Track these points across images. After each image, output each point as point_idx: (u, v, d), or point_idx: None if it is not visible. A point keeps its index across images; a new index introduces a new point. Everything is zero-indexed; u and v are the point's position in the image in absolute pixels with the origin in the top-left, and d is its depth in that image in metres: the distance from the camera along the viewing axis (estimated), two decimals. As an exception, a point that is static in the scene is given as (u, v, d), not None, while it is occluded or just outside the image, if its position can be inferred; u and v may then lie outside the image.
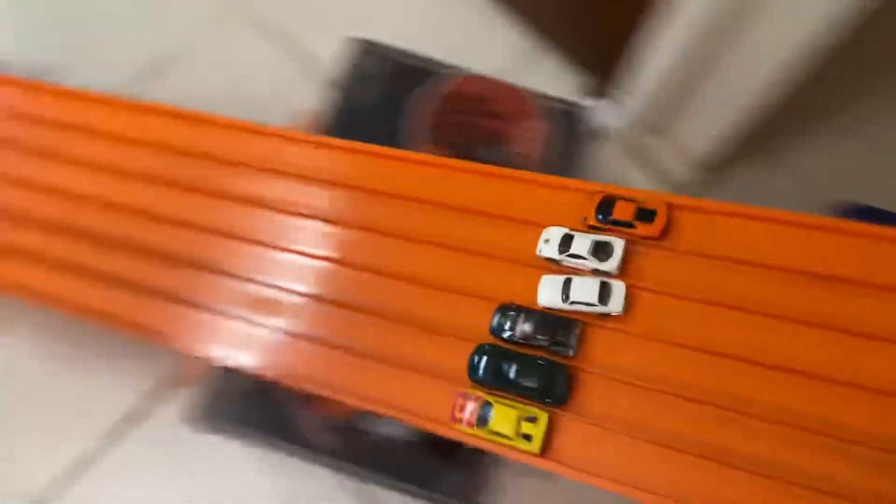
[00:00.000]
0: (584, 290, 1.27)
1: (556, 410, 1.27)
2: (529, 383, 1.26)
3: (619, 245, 1.28)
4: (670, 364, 1.29)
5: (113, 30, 2.20)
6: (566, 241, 1.29)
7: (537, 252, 1.33)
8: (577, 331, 1.28)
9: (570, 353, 1.27)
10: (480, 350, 1.30)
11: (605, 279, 1.29)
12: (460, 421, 1.28)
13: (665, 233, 1.32)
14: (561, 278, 1.31)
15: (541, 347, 1.29)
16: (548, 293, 1.30)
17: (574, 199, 1.39)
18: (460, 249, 1.46)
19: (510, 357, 1.28)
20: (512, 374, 1.27)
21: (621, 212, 1.29)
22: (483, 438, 1.27)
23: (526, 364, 1.26)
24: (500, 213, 1.44)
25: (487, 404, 1.26)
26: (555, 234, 1.30)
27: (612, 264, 1.28)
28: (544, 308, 1.31)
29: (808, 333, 1.24)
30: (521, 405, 1.27)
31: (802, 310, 1.25)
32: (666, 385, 1.28)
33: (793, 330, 1.25)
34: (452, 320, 1.39)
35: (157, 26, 2.23)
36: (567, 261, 1.31)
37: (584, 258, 1.28)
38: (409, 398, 1.37)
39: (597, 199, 1.31)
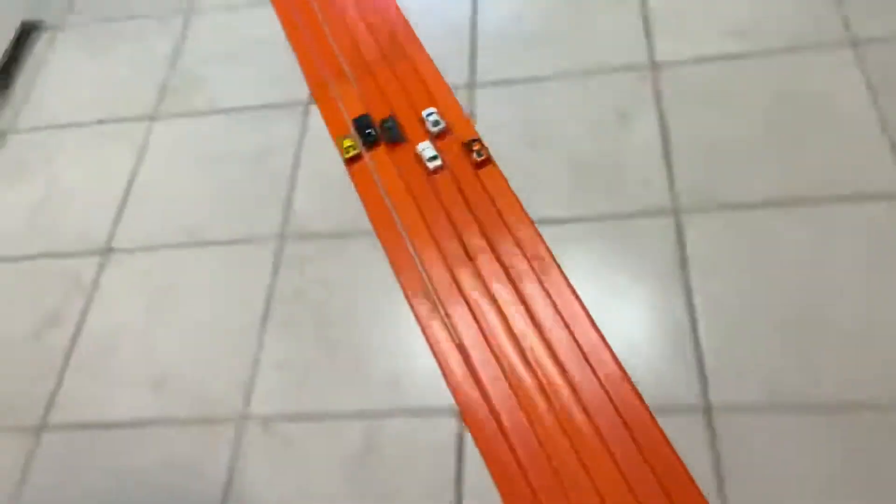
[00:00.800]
0: (428, 148, 2.52)
1: (368, 152, 2.56)
2: (366, 137, 2.58)
3: (441, 125, 2.54)
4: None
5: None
6: (430, 114, 2.59)
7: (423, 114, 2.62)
8: (399, 136, 2.56)
9: (391, 139, 2.56)
10: (363, 118, 2.62)
11: (437, 154, 2.50)
12: (341, 137, 2.65)
13: (478, 168, 2.46)
14: (427, 143, 2.54)
15: (384, 131, 2.60)
16: (421, 146, 2.57)
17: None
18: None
19: (374, 126, 2.58)
20: (367, 132, 2.58)
21: (477, 146, 2.48)
22: (341, 145, 2.60)
23: (373, 132, 2.57)
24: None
25: (350, 135, 2.59)
26: (431, 111, 2.61)
27: (435, 130, 2.57)
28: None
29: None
30: (357, 143, 2.58)
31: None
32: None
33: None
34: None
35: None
36: (427, 121, 2.59)
37: (429, 122, 2.61)
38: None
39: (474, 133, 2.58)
